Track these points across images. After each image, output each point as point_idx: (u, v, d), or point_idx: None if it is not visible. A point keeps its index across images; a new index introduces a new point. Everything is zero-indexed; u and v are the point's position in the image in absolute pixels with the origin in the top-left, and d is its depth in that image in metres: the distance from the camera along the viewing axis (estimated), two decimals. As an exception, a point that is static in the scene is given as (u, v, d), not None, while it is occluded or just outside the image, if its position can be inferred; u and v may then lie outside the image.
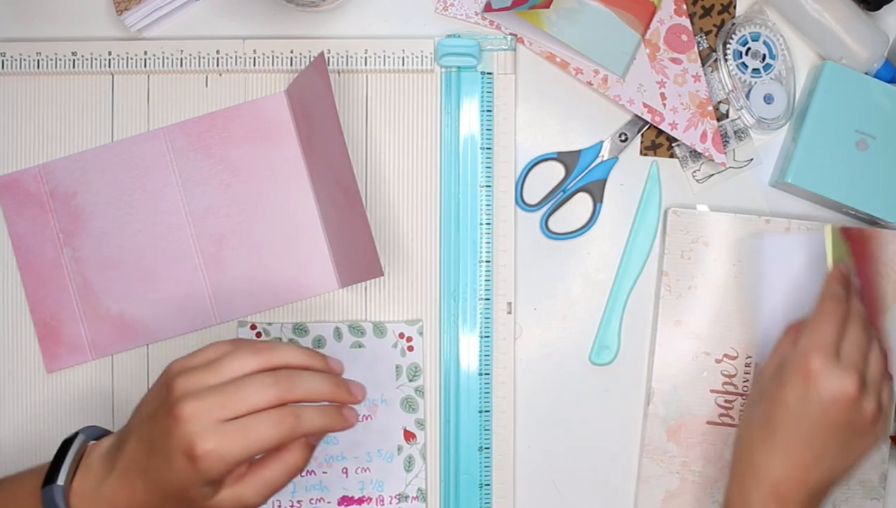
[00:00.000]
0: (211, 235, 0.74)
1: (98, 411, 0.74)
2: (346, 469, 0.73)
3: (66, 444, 0.56)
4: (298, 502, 0.73)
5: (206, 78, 0.75)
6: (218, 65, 0.74)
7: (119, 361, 0.74)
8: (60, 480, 0.54)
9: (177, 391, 0.52)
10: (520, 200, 0.75)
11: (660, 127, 0.74)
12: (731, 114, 0.76)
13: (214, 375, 0.53)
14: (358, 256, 0.69)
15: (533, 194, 0.75)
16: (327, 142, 0.69)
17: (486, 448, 0.73)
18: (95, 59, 0.74)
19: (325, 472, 0.73)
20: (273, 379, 0.53)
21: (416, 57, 0.74)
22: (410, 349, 0.73)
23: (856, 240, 0.71)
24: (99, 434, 0.59)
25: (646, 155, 0.76)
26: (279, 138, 0.74)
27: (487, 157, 0.74)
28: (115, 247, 0.73)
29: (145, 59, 0.74)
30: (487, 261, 0.74)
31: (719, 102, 0.76)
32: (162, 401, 0.53)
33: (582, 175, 0.75)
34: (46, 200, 0.74)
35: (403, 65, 0.74)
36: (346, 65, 0.74)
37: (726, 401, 0.74)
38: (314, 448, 0.56)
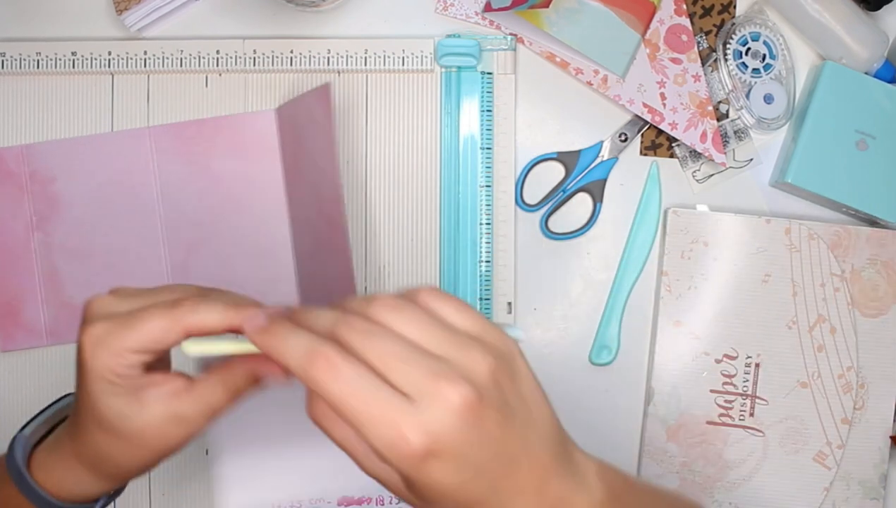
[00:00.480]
0: (181, 241, 0.74)
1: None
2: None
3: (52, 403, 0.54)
4: (298, 502, 0.73)
5: (206, 78, 0.75)
6: (218, 65, 0.74)
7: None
8: (27, 430, 0.51)
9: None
10: (520, 200, 0.75)
11: (660, 127, 0.74)
12: (731, 114, 0.76)
13: (153, 290, 0.47)
14: (329, 286, 0.69)
15: (533, 194, 0.75)
16: (318, 170, 0.69)
17: (486, 449, 0.73)
18: (95, 59, 0.74)
19: (324, 472, 0.73)
20: (196, 289, 0.47)
21: (416, 57, 0.74)
22: (410, 349, 0.73)
23: None
24: None
25: (646, 155, 0.76)
26: (262, 156, 0.74)
27: (487, 157, 0.74)
28: (86, 237, 0.74)
29: (145, 59, 0.74)
30: (487, 261, 0.74)
31: (719, 102, 0.76)
32: None
33: (582, 175, 0.75)
34: (25, 181, 0.74)
35: (403, 65, 0.74)
36: (346, 65, 0.74)
37: (726, 401, 0.74)
38: (263, 381, 0.47)
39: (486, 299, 0.73)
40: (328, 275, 0.70)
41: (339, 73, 0.75)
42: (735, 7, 0.76)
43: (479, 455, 0.39)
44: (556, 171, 0.76)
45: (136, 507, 0.74)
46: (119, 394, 0.45)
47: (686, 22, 0.75)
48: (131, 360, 0.44)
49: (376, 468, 0.42)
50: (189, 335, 0.44)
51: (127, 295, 0.47)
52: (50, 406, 0.53)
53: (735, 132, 0.76)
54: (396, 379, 0.38)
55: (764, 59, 0.75)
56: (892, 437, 0.74)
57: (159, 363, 0.48)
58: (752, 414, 0.74)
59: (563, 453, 0.43)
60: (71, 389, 0.74)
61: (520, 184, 0.75)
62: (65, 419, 0.52)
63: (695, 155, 0.76)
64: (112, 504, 0.54)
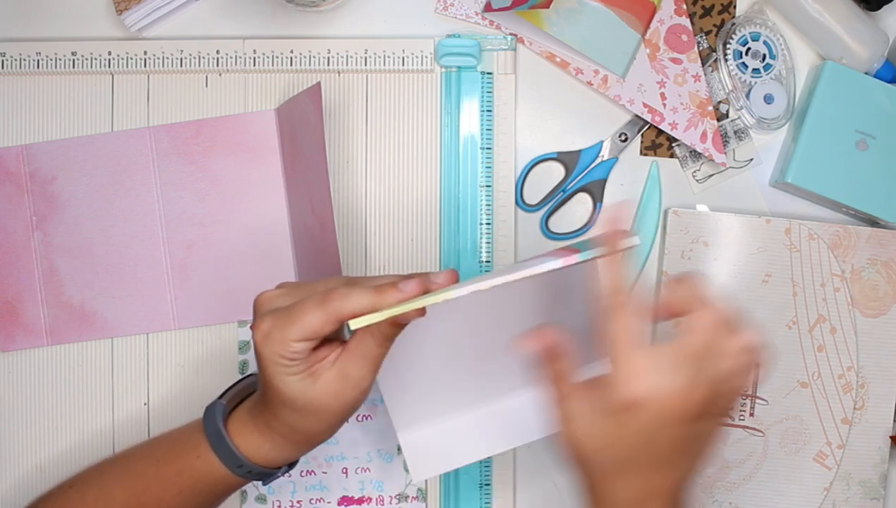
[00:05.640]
0: (181, 241, 0.74)
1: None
2: (346, 469, 0.73)
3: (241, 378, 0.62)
4: (298, 502, 0.73)
5: (206, 78, 0.75)
6: (218, 65, 0.74)
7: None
8: (224, 399, 0.59)
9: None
10: (520, 200, 0.75)
11: (660, 127, 0.74)
12: (731, 114, 0.76)
13: (309, 284, 0.55)
14: None
15: (533, 194, 0.75)
16: (310, 170, 0.69)
17: (486, 449, 0.73)
18: (95, 59, 0.74)
19: (325, 472, 0.73)
20: (346, 279, 0.54)
21: (416, 57, 0.74)
22: (410, 349, 0.73)
23: None
24: None
25: (646, 155, 0.76)
26: (262, 155, 0.74)
27: (487, 157, 0.74)
28: (85, 237, 0.74)
29: (145, 59, 0.74)
30: (487, 261, 0.74)
31: (719, 102, 0.76)
32: None
33: (582, 175, 0.75)
34: (25, 181, 0.74)
35: (403, 65, 0.74)
36: (346, 65, 0.74)
37: (726, 401, 0.74)
38: (405, 321, 0.53)
39: (486, 299, 0.73)
40: (323, 275, 0.70)
41: (339, 73, 0.75)
42: (735, 7, 0.76)
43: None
44: (556, 171, 0.76)
45: (136, 507, 0.74)
46: (293, 374, 0.52)
47: (686, 22, 0.75)
48: (296, 348, 0.51)
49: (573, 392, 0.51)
50: (342, 322, 0.51)
51: (289, 288, 0.54)
52: (239, 381, 0.62)
53: (735, 132, 0.76)
54: None
55: (764, 59, 0.75)
56: (892, 437, 0.74)
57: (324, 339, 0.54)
58: (752, 414, 0.74)
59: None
60: (71, 388, 0.74)
61: (520, 184, 0.75)
62: (251, 393, 0.60)
63: (695, 155, 0.76)
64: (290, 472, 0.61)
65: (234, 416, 0.58)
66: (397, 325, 0.53)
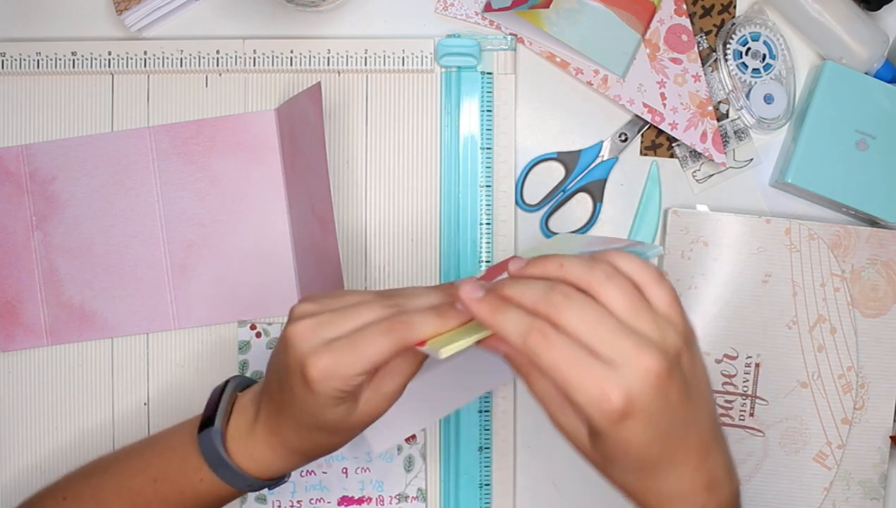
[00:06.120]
0: (181, 241, 0.74)
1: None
2: (346, 469, 0.73)
3: (217, 393, 0.58)
4: (298, 502, 0.73)
5: (206, 78, 0.75)
6: (218, 65, 0.74)
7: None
8: (217, 424, 0.56)
9: (293, 315, 0.51)
10: (520, 200, 0.75)
11: (660, 127, 0.74)
12: (731, 114, 0.76)
13: (332, 302, 0.52)
14: (325, 286, 0.69)
15: (533, 194, 0.75)
16: (311, 170, 0.69)
17: (486, 448, 0.73)
18: (95, 59, 0.74)
19: (325, 472, 0.73)
20: (385, 297, 0.51)
21: (416, 57, 0.74)
22: (410, 349, 0.73)
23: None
24: (246, 384, 0.60)
25: (646, 155, 0.76)
26: (263, 155, 0.74)
27: (487, 157, 0.74)
28: (85, 237, 0.74)
29: (145, 59, 0.74)
30: (487, 261, 0.74)
31: (719, 102, 0.76)
32: (282, 331, 0.52)
33: (582, 175, 0.75)
34: (25, 181, 0.74)
35: (403, 65, 0.74)
36: (346, 65, 0.74)
37: (726, 401, 0.74)
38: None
39: (486, 299, 0.73)
40: (325, 278, 0.70)
41: (339, 73, 0.75)
42: (735, 7, 0.76)
43: (663, 421, 0.44)
44: (556, 171, 0.76)
45: (136, 507, 0.74)
46: (341, 404, 0.51)
47: (686, 22, 0.75)
48: (358, 381, 0.50)
49: (566, 421, 0.47)
50: (407, 349, 0.49)
51: (329, 315, 0.50)
52: (220, 395, 0.58)
53: (735, 132, 0.76)
54: (602, 347, 0.43)
55: (764, 59, 0.75)
56: (892, 437, 0.74)
57: None
58: (752, 415, 0.74)
59: (720, 437, 0.49)
60: (71, 387, 0.74)
61: (520, 184, 0.75)
62: (233, 406, 0.58)
63: (695, 155, 0.76)
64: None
65: (231, 437, 0.56)
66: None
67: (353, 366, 0.48)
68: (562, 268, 0.46)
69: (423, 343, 0.49)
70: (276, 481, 0.58)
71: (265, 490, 0.73)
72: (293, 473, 0.73)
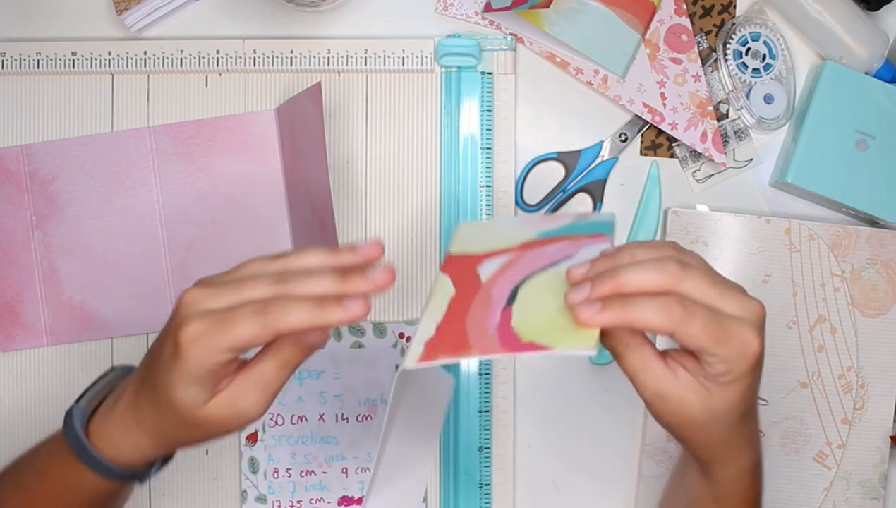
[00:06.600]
0: (181, 241, 0.74)
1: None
2: (346, 469, 0.73)
3: (99, 377, 0.58)
4: (298, 502, 0.73)
5: (206, 78, 0.75)
6: (218, 65, 0.74)
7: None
8: (83, 402, 0.55)
9: (195, 283, 0.50)
10: (520, 200, 0.75)
11: (660, 127, 0.74)
12: (731, 114, 0.76)
13: (227, 274, 0.51)
14: None
15: (533, 194, 0.75)
16: (311, 170, 0.69)
17: (486, 448, 0.73)
18: (95, 59, 0.74)
19: (325, 472, 0.73)
20: (277, 277, 0.49)
21: (416, 57, 0.74)
22: (410, 349, 0.73)
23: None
24: (131, 372, 0.58)
25: (646, 155, 0.76)
26: (262, 155, 0.74)
27: (487, 157, 0.74)
28: (85, 237, 0.74)
29: (145, 59, 0.74)
30: (487, 261, 0.74)
31: (719, 102, 0.76)
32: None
33: (582, 175, 0.75)
34: (25, 181, 0.74)
35: (403, 65, 0.74)
36: (346, 65, 0.74)
37: (726, 401, 0.74)
38: (311, 347, 0.50)
39: (486, 299, 0.73)
40: None
41: (339, 73, 0.75)
42: (735, 7, 0.76)
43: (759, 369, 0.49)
44: (556, 171, 0.76)
45: (137, 506, 0.74)
46: (196, 384, 0.49)
47: (686, 22, 0.75)
48: (223, 358, 0.48)
49: (667, 386, 0.49)
50: (278, 336, 0.48)
51: (216, 288, 0.49)
52: (99, 379, 0.57)
53: (735, 132, 0.76)
54: (725, 305, 0.47)
55: (764, 59, 0.75)
56: (892, 437, 0.74)
57: None
58: (752, 414, 0.74)
59: (757, 398, 0.52)
60: (71, 388, 0.74)
61: (520, 184, 0.75)
62: (111, 391, 0.56)
63: (695, 155, 0.76)
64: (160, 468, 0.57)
65: (96, 417, 0.54)
66: (304, 350, 0.50)
67: (219, 341, 0.47)
68: (634, 257, 0.48)
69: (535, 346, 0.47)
70: (138, 473, 0.55)
71: (265, 490, 0.73)
72: (293, 473, 0.73)
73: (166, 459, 0.57)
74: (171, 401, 0.50)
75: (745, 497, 0.54)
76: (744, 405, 0.49)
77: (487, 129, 0.74)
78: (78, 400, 0.55)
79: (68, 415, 0.55)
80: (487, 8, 0.74)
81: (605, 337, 0.48)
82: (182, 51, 0.74)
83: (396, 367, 0.57)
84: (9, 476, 0.59)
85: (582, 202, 0.76)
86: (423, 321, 0.50)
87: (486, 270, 0.53)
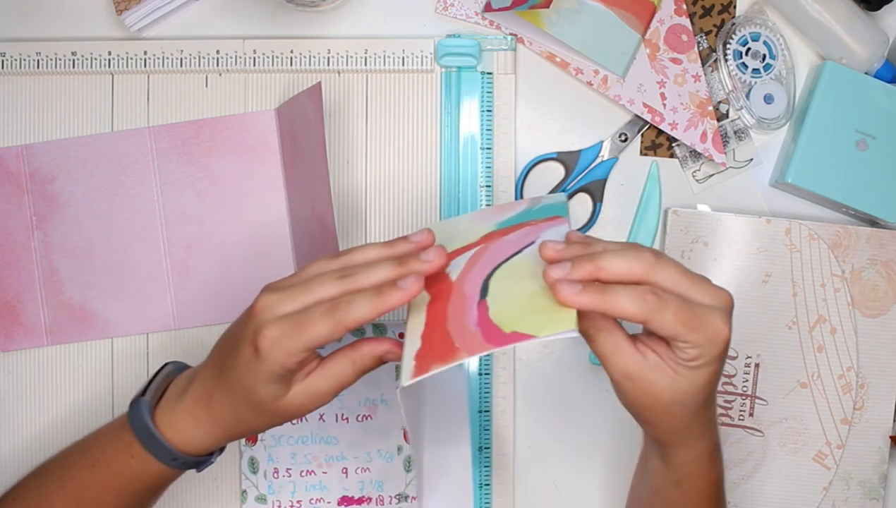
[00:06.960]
0: (181, 241, 0.74)
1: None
2: (346, 469, 0.73)
3: (155, 373, 0.61)
4: (298, 502, 0.73)
5: (206, 78, 0.75)
6: (218, 65, 0.74)
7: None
8: (148, 395, 0.58)
9: (263, 290, 0.54)
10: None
11: (660, 127, 0.74)
12: (731, 114, 0.76)
13: (294, 277, 0.54)
14: None
15: (533, 194, 0.75)
16: (311, 170, 0.69)
17: (486, 448, 0.73)
18: (95, 59, 0.74)
19: (325, 472, 0.73)
20: (339, 274, 0.53)
21: (416, 57, 0.74)
22: (410, 349, 0.73)
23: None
24: (183, 368, 0.62)
25: (646, 155, 0.76)
26: (262, 155, 0.74)
27: (487, 157, 0.74)
28: (86, 237, 0.74)
29: (145, 59, 0.74)
30: (487, 261, 0.74)
31: (719, 102, 0.76)
32: (248, 306, 0.55)
33: (582, 175, 0.75)
34: (25, 181, 0.74)
35: (403, 65, 0.74)
36: (346, 65, 0.74)
37: (726, 401, 0.74)
38: (386, 362, 0.55)
39: (486, 299, 0.73)
40: None
41: (339, 73, 0.75)
42: (735, 7, 0.76)
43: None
44: (556, 171, 0.76)
45: (137, 507, 0.74)
46: (277, 381, 0.53)
47: (686, 22, 0.75)
48: (301, 357, 0.52)
49: (638, 369, 0.51)
50: (348, 331, 0.52)
51: (287, 291, 0.53)
52: (156, 375, 0.60)
53: (735, 132, 0.76)
54: (695, 294, 0.50)
55: (764, 59, 0.75)
56: (892, 437, 0.74)
57: None
58: (751, 414, 0.74)
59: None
60: (71, 388, 0.74)
61: (520, 184, 0.75)
62: (167, 387, 0.60)
63: (695, 155, 0.76)
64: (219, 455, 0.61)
65: (160, 409, 0.58)
66: (380, 361, 0.54)
67: (296, 342, 0.51)
68: (606, 247, 0.51)
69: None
70: (200, 460, 0.59)
71: (265, 490, 0.73)
72: (293, 473, 0.73)
73: (221, 448, 0.61)
74: (250, 397, 0.54)
75: (706, 480, 0.57)
76: (710, 388, 0.52)
77: (487, 129, 0.74)
78: (142, 394, 0.58)
79: (134, 407, 0.58)
80: (487, 8, 0.74)
81: (579, 319, 0.49)
82: (182, 51, 0.74)
83: (396, 377, 0.59)
84: (55, 469, 0.62)
85: (582, 202, 0.76)
86: (407, 335, 0.52)
87: (454, 269, 0.54)
